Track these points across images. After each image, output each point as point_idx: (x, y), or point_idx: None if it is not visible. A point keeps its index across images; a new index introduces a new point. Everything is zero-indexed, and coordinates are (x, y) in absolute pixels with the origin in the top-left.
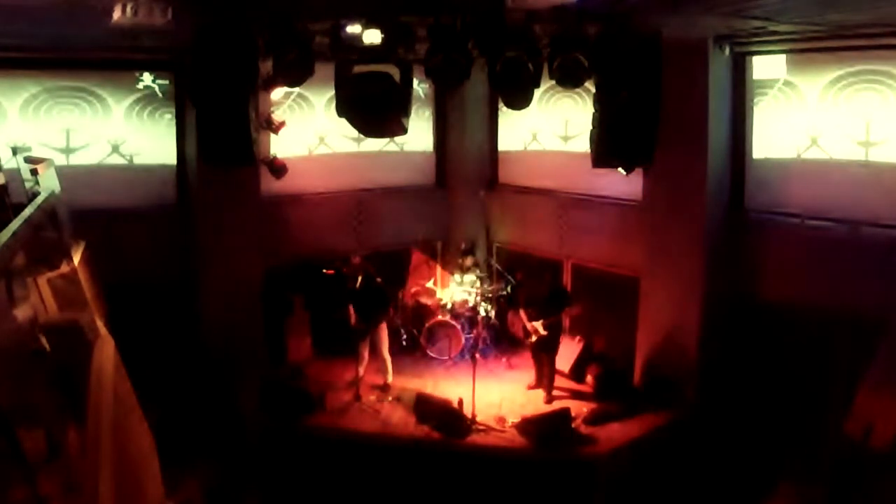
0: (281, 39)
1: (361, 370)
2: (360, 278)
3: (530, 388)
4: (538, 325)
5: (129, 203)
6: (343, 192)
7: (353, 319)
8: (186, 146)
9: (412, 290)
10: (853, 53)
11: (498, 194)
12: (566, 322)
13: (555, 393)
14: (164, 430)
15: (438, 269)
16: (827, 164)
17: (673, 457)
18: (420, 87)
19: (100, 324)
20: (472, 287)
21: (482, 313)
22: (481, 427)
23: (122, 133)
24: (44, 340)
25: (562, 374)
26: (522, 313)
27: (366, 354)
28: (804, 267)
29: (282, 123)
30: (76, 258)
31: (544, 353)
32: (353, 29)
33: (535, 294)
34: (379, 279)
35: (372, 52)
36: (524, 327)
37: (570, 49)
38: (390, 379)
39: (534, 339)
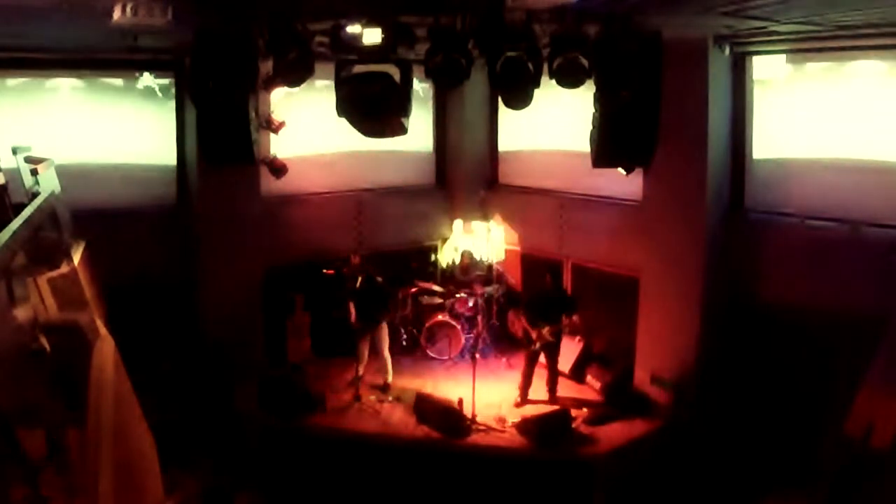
0: (281, 39)
1: (361, 370)
2: (360, 278)
3: (518, 405)
4: (545, 331)
5: (129, 203)
6: (343, 192)
7: (353, 319)
8: (186, 146)
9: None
10: (853, 53)
11: (498, 194)
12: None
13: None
14: (164, 430)
15: None
16: (827, 164)
17: (672, 457)
18: (420, 87)
19: (100, 324)
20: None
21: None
22: (481, 427)
23: (122, 133)
24: (44, 340)
25: (562, 374)
26: (524, 319)
27: (366, 354)
28: (804, 267)
29: (282, 123)
30: (76, 258)
31: (548, 356)
32: (353, 29)
33: (538, 299)
34: (379, 279)
35: (372, 52)
36: (526, 333)
37: (570, 49)
38: (390, 379)
39: (537, 345)
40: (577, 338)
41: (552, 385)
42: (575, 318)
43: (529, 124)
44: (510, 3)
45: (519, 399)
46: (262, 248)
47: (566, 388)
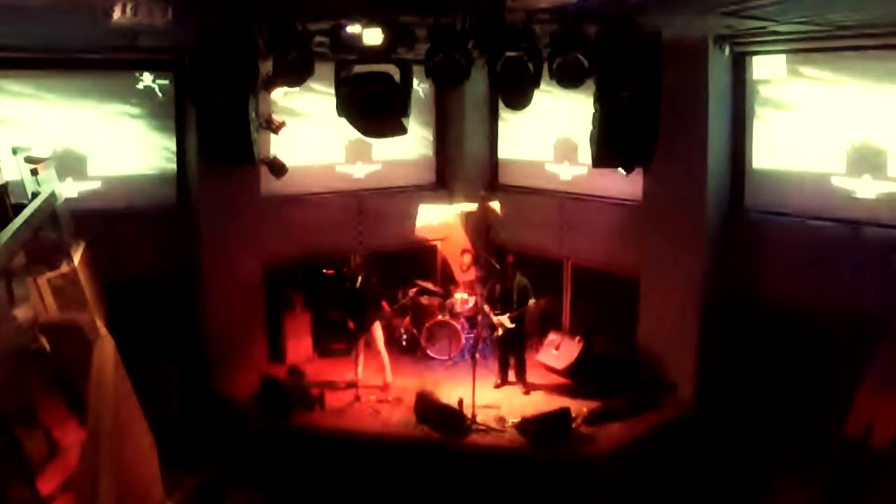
0: (281, 39)
1: (360, 370)
2: (360, 278)
3: (497, 387)
4: (504, 318)
5: (129, 203)
6: (343, 192)
7: (348, 320)
8: (186, 146)
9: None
10: (853, 53)
11: (498, 194)
12: (566, 322)
13: (554, 392)
14: (164, 430)
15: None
16: (827, 164)
17: (672, 456)
18: (420, 87)
19: (100, 324)
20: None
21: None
22: (481, 427)
23: (122, 133)
24: (44, 340)
25: (562, 374)
26: (488, 308)
27: (363, 354)
28: (804, 267)
29: (282, 123)
30: (76, 258)
31: (513, 346)
32: (353, 29)
33: (499, 289)
34: (374, 279)
35: (372, 52)
36: (490, 323)
37: (570, 49)
38: (389, 378)
39: (500, 332)
40: (577, 338)
41: (520, 374)
42: (531, 303)
43: (530, 124)
44: (510, 3)
45: (498, 381)
46: (262, 247)
47: (565, 388)
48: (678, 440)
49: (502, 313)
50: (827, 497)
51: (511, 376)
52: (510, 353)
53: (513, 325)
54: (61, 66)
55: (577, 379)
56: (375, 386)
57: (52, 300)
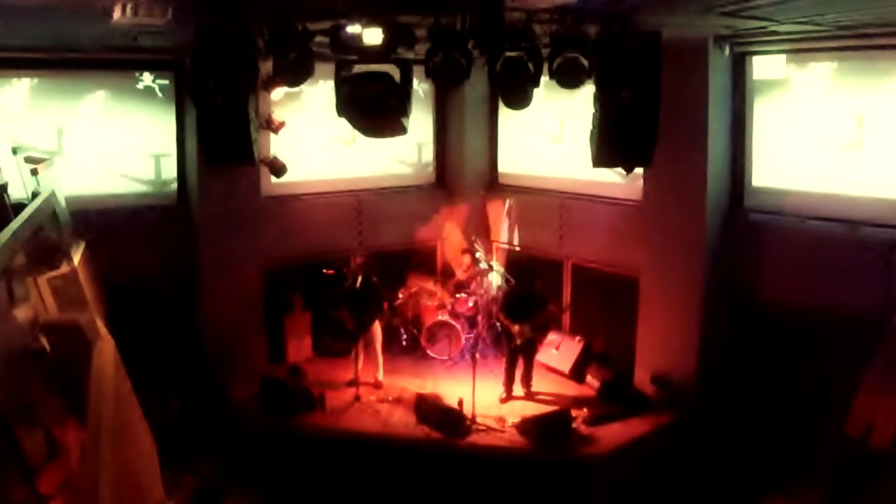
0: (281, 39)
1: (359, 370)
2: (359, 278)
3: (503, 401)
4: (525, 328)
5: (129, 203)
6: (343, 192)
7: (349, 319)
8: (186, 147)
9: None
10: (853, 53)
11: (498, 194)
12: (566, 322)
13: (554, 394)
14: (164, 430)
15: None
16: (827, 164)
17: (673, 457)
18: (420, 87)
19: (100, 324)
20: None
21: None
22: (481, 427)
23: (121, 133)
24: (44, 340)
25: (562, 374)
26: (503, 318)
27: (362, 354)
28: (804, 267)
29: (282, 123)
30: (76, 258)
31: (525, 354)
32: (353, 29)
33: (513, 298)
34: (375, 279)
35: (372, 52)
36: (507, 332)
37: (570, 49)
38: (381, 376)
39: (519, 342)
40: (577, 338)
41: (527, 379)
42: (552, 308)
43: (530, 124)
44: (510, 3)
45: (504, 395)
46: (262, 247)
47: (565, 388)
48: (678, 440)
49: (519, 321)
50: (827, 497)
51: (515, 378)
52: (518, 362)
53: (533, 334)
54: (61, 66)
55: (577, 379)
56: (367, 383)
57: (52, 300)
